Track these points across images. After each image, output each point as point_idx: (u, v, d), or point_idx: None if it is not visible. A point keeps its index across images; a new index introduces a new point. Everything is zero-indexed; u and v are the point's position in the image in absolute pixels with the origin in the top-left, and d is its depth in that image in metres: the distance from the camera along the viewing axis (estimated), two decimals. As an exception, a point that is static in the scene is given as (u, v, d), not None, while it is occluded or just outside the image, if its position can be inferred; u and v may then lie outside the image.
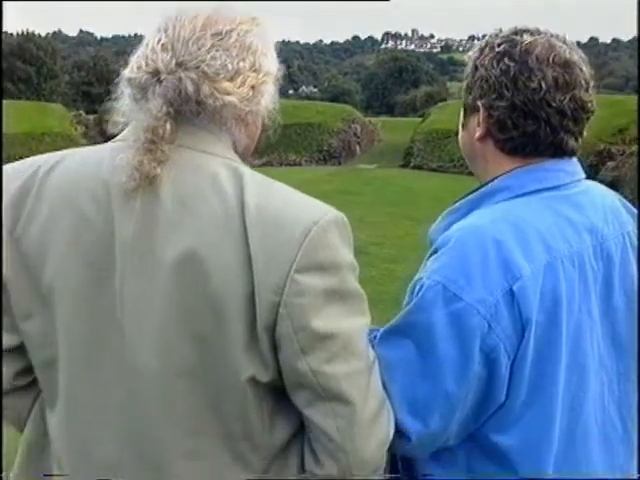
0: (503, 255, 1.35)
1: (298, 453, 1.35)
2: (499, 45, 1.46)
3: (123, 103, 1.31)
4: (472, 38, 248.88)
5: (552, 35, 1.46)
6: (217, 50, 1.25)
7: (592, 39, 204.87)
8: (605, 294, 1.47)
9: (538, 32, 1.46)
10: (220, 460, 1.29)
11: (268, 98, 1.36)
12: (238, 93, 1.27)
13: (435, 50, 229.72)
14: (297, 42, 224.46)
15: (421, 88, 69.76)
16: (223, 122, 1.30)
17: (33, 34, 72.23)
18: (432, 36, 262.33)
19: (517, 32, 1.46)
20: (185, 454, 1.28)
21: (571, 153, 1.50)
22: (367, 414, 1.27)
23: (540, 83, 1.42)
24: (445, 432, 1.38)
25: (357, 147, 40.48)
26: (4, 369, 1.41)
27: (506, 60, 1.44)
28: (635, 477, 1.98)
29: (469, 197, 1.52)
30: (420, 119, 40.31)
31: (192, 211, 1.21)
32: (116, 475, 1.30)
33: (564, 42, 1.46)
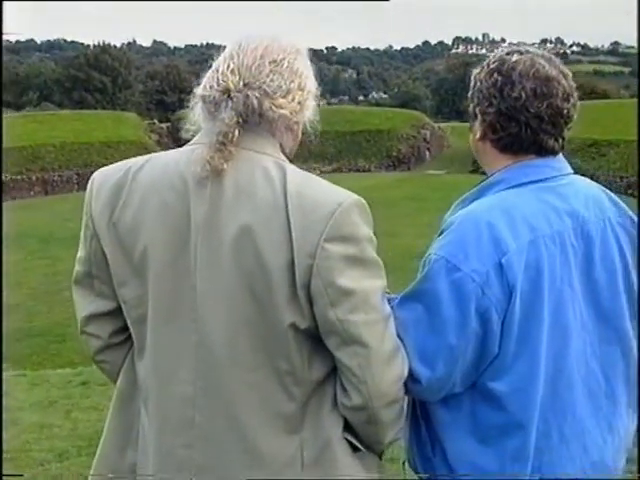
0: (494, 235, 1.68)
1: (332, 388, 1.67)
2: (493, 63, 1.82)
3: (195, 114, 1.67)
4: (544, 41, 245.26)
5: (537, 55, 1.80)
6: (274, 74, 1.62)
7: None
8: (586, 268, 1.76)
9: (527, 52, 1.81)
10: (271, 392, 1.61)
11: (310, 111, 1.71)
12: (290, 107, 1.63)
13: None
14: (367, 48, 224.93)
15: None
16: (277, 129, 1.65)
17: (109, 45, 74.13)
18: (503, 40, 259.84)
19: (509, 52, 1.82)
20: (244, 387, 1.60)
21: (552, 152, 1.81)
22: (382, 355, 1.59)
23: (520, 93, 1.75)
24: (450, 379, 1.68)
25: (426, 153, 40.26)
26: (102, 330, 1.79)
27: (495, 75, 1.79)
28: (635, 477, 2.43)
29: (474, 190, 1.85)
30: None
31: (248, 196, 1.55)
32: (192, 406, 1.63)
33: (548, 60, 1.79)
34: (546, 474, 1.72)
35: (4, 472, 2.80)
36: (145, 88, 71.31)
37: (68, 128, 37.48)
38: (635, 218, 1.90)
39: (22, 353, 10.11)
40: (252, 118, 1.60)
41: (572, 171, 1.87)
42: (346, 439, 1.68)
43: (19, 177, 33.28)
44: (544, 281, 1.68)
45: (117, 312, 1.76)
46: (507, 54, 1.82)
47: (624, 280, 1.82)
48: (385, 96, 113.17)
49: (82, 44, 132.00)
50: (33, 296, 15.90)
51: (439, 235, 1.75)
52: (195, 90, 1.67)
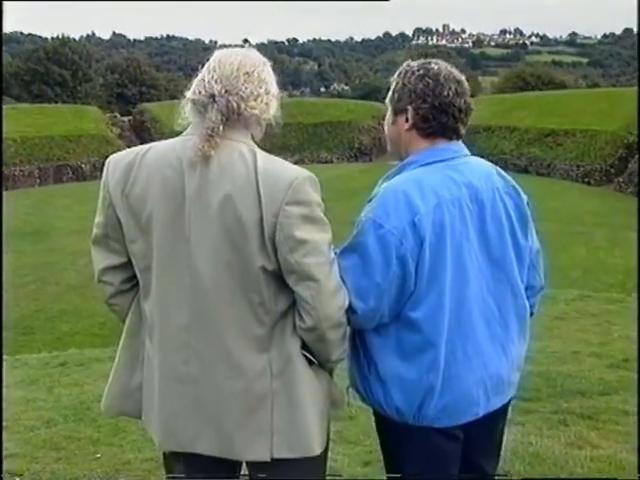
0: (408, 200, 2.19)
1: (292, 317, 2.18)
2: (418, 70, 2.32)
3: (185, 112, 2.17)
4: (504, 32, 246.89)
5: (447, 64, 2.35)
6: (247, 82, 2.12)
7: (627, 30, 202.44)
8: (479, 226, 2.28)
9: (438, 63, 2.34)
10: (247, 319, 2.13)
11: (273, 109, 2.21)
12: (259, 108, 2.15)
13: (467, 45, 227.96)
14: (328, 40, 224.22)
15: (452, 83, 69.47)
16: (249, 124, 2.16)
17: (68, 38, 73.01)
18: (463, 31, 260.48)
19: (427, 63, 2.34)
20: (227, 315, 2.12)
21: (460, 137, 2.36)
22: (328, 288, 2.11)
23: (448, 92, 2.28)
24: (379, 310, 2.20)
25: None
26: (115, 279, 2.28)
27: (426, 79, 2.29)
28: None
29: (394, 169, 2.37)
30: (451, 114, 40.59)
31: (228, 172, 2.07)
32: (187, 332, 2.14)
33: (453, 68, 2.34)
34: (454, 379, 2.23)
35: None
36: (105, 81, 70.42)
37: (29, 122, 37.00)
38: (518, 187, 2.45)
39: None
40: (232, 116, 2.10)
41: (469, 153, 2.39)
42: (303, 355, 2.19)
43: (-21, 172, 32.96)
44: (447, 235, 2.20)
45: (127, 265, 2.26)
46: (427, 63, 2.35)
47: (510, 234, 2.35)
48: (347, 88, 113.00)
49: (40, 37, 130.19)
50: (-2, 290, 16.01)
51: (368, 202, 2.28)
52: (185, 93, 2.17)
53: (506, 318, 2.36)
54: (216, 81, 2.11)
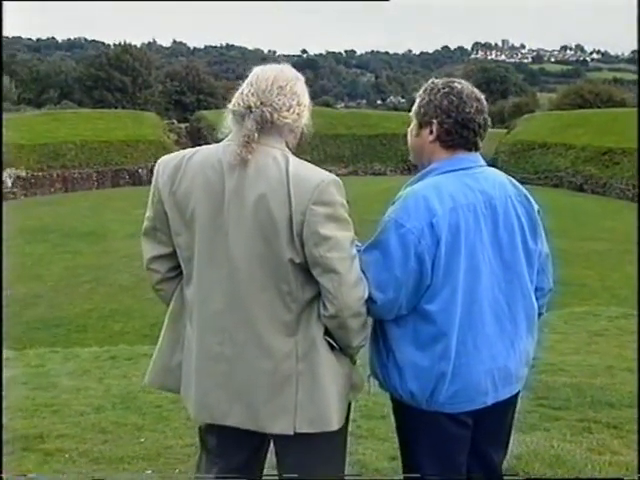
0: (427, 203, 2.43)
1: (317, 305, 2.41)
2: (443, 88, 2.56)
3: (227, 121, 2.44)
4: (564, 48, 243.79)
5: (468, 84, 2.59)
6: (280, 95, 2.38)
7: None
8: (492, 230, 2.50)
9: (461, 82, 2.59)
10: (276, 306, 2.37)
11: (305, 118, 2.46)
12: (291, 118, 2.40)
13: (526, 60, 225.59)
14: (386, 52, 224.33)
15: (509, 99, 69.04)
16: (283, 132, 2.42)
17: (130, 45, 74.50)
18: (523, 46, 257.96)
19: (451, 82, 2.58)
20: (258, 302, 2.37)
21: (477, 149, 2.59)
22: (349, 280, 2.34)
23: (470, 109, 2.52)
24: (397, 301, 2.43)
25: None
26: (161, 267, 2.55)
27: (450, 96, 2.54)
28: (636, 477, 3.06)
29: (416, 176, 2.62)
30: (506, 130, 40.32)
31: (263, 174, 2.32)
32: (223, 317, 2.40)
33: (474, 88, 2.58)
34: (464, 368, 2.45)
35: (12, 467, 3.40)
36: (164, 88, 71.57)
37: (89, 127, 37.87)
38: (529, 196, 2.65)
39: (46, 342, 10.60)
40: (266, 125, 2.36)
41: (485, 164, 2.63)
42: (326, 340, 2.43)
43: (40, 174, 33.78)
44: (461, 235, 2.43)
45: (172, 255, 2.53)
46: (450, 82, 2.59)
47: (521, 238, 2.56)
48: (403, 100, 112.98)
49: (102, 43, 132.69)
50: (55, 288, 16.35)
51: (392, 205, 2.52)
52: (228, 105, 2.45)
53: (515, 316, 2.56)
54: (252, 94, 2.38)
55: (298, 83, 2.46)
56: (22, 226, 22.15)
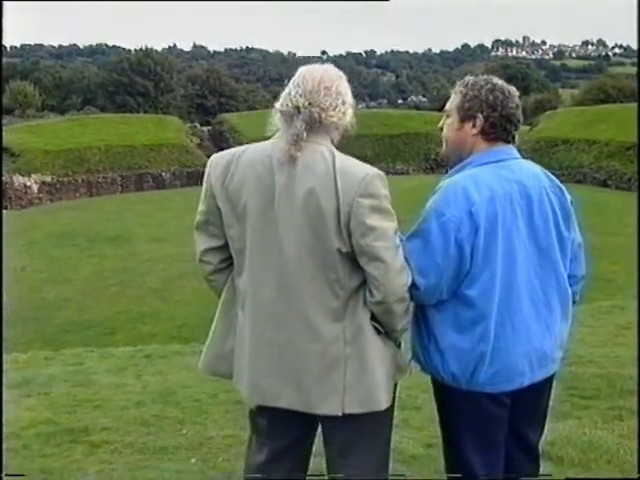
0: (466, 193, 2.56)
1: (363, 292, 2.54)
2: (487, 84, 2.71)
3: (275, 120, 2.56)
4: (586, 43, 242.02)
5: (496, 79, 2.74)
6: (326, 95, 2.51)
7: None
8: (528, 218, 2.63)
9: (498, 79, 2.73)
10: (325, 293, 2.51)
11: (349, 116, 2.59)
12: (337, 116, 2.53)
13: (547, 57, 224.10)
14: (406, 52, 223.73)
15: (531, 95, 68.67)
16: (329, 130, 2.54)
17: (151, 50, 75.05)
18: (544, 42, 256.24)
19: (489, 78, 2.74)
20: (308, 290, 2.51)
21: (514, 141, 2.75)
22: (394, 268, 2.47)
23: (513, 104, 2.70)
24: (438, 287, 2.57)
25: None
26: (214, 259, 2.69)
27: (496, 92, 2.69)
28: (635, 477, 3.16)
29: (455, 167, 2.76)
30: (529, 127, 40.19)
31: (311, 170, 2.45)
32: (274, 304, 2.53)
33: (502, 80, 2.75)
34: (503, 350, 2.58)
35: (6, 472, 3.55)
36: (186, 92, 72.03)
37: (112, 131, 38.13)
38: (561, 186, 2.77)
39: (77, 344, 10.77)
40: (314, 125, 2.48)
41: (519, 157, 2.76)
42: (372, 325, 2.56)
43: (65, 179, 34.08)
44: (498, 223, 2.56)
45: (224, 247, 2.67)
46: (490, 78, 2.75)
47: (555, 227, 2.69)
48: (424, 99, 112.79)
49: (124, 49, 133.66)
50: (83, 291, 16.57)
51: (432, 195, 2.67)
52: (275, 105, 2.58)
53: (550, 300, 2.69)
54: (300, 95, 2.50)
55: (342, 82, 2.59)
56: (49, 231, 22.45)
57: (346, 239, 2.45)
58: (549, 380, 2.77)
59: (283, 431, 2.71)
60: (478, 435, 2.66)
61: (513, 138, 2.73)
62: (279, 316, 2.55)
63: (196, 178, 37.09)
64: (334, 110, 2.52)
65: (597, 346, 6.41)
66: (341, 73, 2.62)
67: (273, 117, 2.58)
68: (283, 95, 2.56)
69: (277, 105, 2.57)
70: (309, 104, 2.49)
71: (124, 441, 4.22)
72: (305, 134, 2.46)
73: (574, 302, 2.83)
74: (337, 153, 2.52)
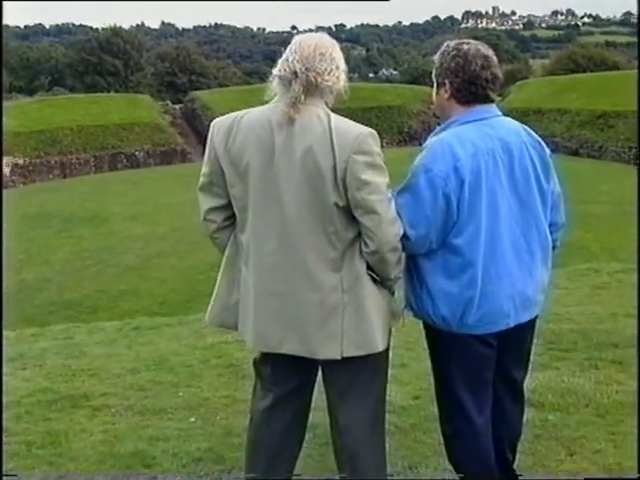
0: (451, 150, 2.73)
1: (359, 244, 2.72)
2: (452, 51, 2.85)
3: (273, 85, 2.71)
4: (555, 13, 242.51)
5: (478, 43, 2.89)
6: (321, 61, 2.66)
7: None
8: (509, 171, 2.82)
9: (469, 43, 2.87)
10: (323, 244, 2.68)
11: (343, 81, 2.74)
12: (331, 80, 2.68)
13: (517, 27, 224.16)
14: (376, 25, 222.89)
15: (502, 66, 68.60)
16: (324, 93, 2.70)
17: (120, 28, 74.13)
18: (514, 13, 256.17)
19: (460, 43, 2.87)
20: (307, 242, 2.68)
21: (492, 100, 2.89)
22: (387, 219, 2.65)
23: (475, 67, 2.79)
24: (428, 237, 2.75)
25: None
26: (217, 217, 2.85)
27: (457, 58, 2.82)
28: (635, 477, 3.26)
29: (441, 126, 2.92)
30: (500, 97, 40.41)
31: (309, 130, 2.62)
32: (276, 255, 2.71)
33: (483, 46, 2.88)
34: (489, 294, 2.77)
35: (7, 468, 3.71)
36: (156, 70, 71.23)
37: (83, 112, 37.84)
38: (540, 140, 2.95)
39: (59, 323, 10.87)
40: (311, 88, 2.64)
41: (501, 114, 2.93)
42: (368, 274, 2.75)
43: (38, 161, 33.89)
44: (482, 177, 2.75)
45: (227, 206, 2.84)
46: (459, 44, 2.87)
47: (535, 179, 2.88)
48: (395, 72, 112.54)
49: (91, 28, 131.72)
50: (62, 272, 16.62)
51: (420, 153, 2.83)
52: (273, 70, 2.71)
53: (532, 247, 2.88)
54: (297, 61, 2.65)
55: (336, 49, 2.75)
56: (24, 213, 22.33)
57: (342, 193, 2.62)
58: (532, 322, 2.98)
59: (286, 377, 2.89)
60: (468, 374, 2.86)
61: (487, 98, 2.87)
62: (281, 268, 2.72)
63: (170, 156, 37.09)
64: (329, 74, 2.67)
65: (573, 305, 6.62)
66: (334, 41, 2.78)
67: (271, 82, 2.73)
68: (280, 61, 2.71)
69: (275, 71, 2.71)
70: (306, 69, 2.64)
71: (124, 404, 4.35)
72: (303, 97, 2.62)
73: (554, 248, 3.01)
74: (332, 114, 2.69)
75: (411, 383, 4.37)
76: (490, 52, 2.87)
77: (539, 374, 4.35)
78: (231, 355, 5.30)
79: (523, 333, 2.96)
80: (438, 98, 2.96)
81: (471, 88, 2.83)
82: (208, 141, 2.79)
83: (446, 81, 2.87)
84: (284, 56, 2.71)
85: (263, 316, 2.77)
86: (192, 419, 4.11)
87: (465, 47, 2.85)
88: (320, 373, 2.93)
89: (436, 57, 2.93)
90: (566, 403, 4.00)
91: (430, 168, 2.73)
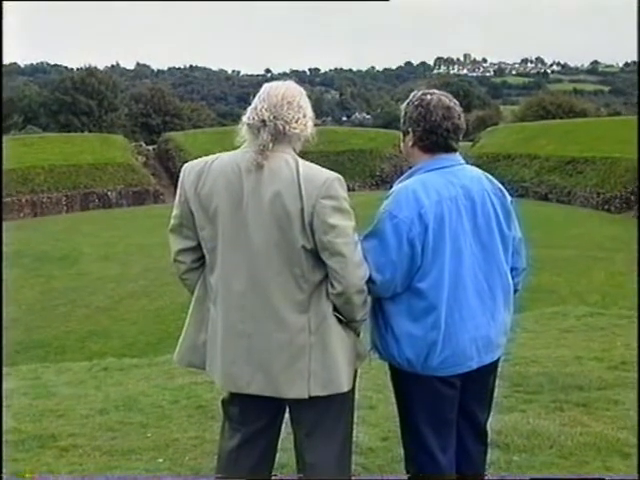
0: (416, 197, 2.82)
1: (325, 286, 2.78)
2: (416, 101, 2.96)
3: (242, 131, 2.81)
4: (525, 61, 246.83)
5: (441, 94, 2.98)
6: (289, 109, 2.76)
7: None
8: (472, 217, 2.90)
9: (433, 93, 2.97)
10: (290, 287, 2.75)
11: (310, 128, 2.83)
12: (299, 128, 2.78)
13: (488, 74, 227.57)
14: (349, 70, 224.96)
15: (473, 112, 69.80)
16: (292, 140, 2.79)
17: (95, 68, 74.34)
18: (485, 60, 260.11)
19: (424, 94, 2.98)
20: (275, 284, 2.75)
21: (454, 150, 2.98)
22: (353, 262, 2.73)
23: (435, 118, 2.90)
24: (393, 281, 2.83)
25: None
26: (187, 259, 2.92)
27: (419, 108, 2.94)
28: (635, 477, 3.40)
29: (406, 174, 3.02)
30: (471, 143, 40.92)
31: (277, 175, 2.70)
32: (244, 297, 2.77)
33: (446, 96, 2.97)
34: (453, 336, 2.83)
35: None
36: (130, 111, 71.41)
37: (56, 151, 37.78)
38: (502, 188, 3.04)
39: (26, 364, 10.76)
40: (279, 136, 2.74)
41: (464, 162, 3.02)
42: (335, 315, 2.82)
43: (9, 199, 33.63)
44: (445, 223, 2.83)
45: (197, 248, 2.90)
46: (423, 94, 2.98)
47: (497, 225, 2.96)
48: (368, 117, 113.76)
49: (66, 68, 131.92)
50: (30, 311, 16.38)
51: (386, 199, 2.93)
52: (242, 118, 2.81)
53: (494, 291, 2.97)
54: (266, 109, 2.75)
55: (303, 97, 2.86)
56: (-2, 247, 22.10)
57: (310, 237, 2.70)
58: (495, 364, 3.05)
59: (253, 417, 2.93)
60: (432, 414, 2.92)
61: (448, 147, 2.96)
62: (249, 308, 2.79)
63: (143, 197, 37.06)
64: (296, 122, 2.77)
65: (540, 348, 6.71)
66: (301, 89, 2.88)
67: (241, 129, 2.83)
68: (250, 109, 2.80)
69: (244, 118, 2.80)
70: (274, 117, 2.74)
71: (91, 445, 4.34)
72: (271, 145, 2.71)
73: (516, 291, 3.10)
74: (300, 160, 2.78)
75: (379, 425, 4.41)
76: (452, 103, 2.97)
77: (505, 416, 4.41)
78: (200, 396, 5.31)
79: (486, 375, 3.03)
80: (404, 145, 3.07)
81: (432, 137, 2.93)
82: (179, 184, 2.87)
83: (410, 130, 2.99)
84: (253, 104, 2.81)
85: (231, 356, 2.82)
86: (160, 460, 4.10)
87: (428, 97, 2.95)
88: (287, 413, 2.97)
89: (402, 106, 3.04)
90: (531, 444, 4.06)
91: (395, 215, 2.82)
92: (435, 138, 2.94)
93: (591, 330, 7.76)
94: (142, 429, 4.63)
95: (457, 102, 3.00)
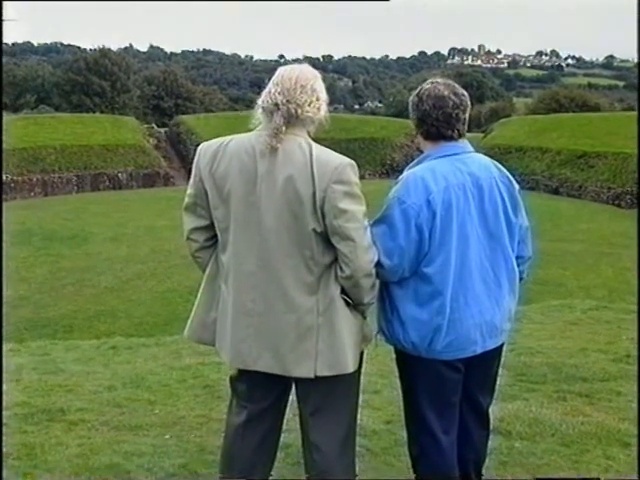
0: (424, 183, 2.88)
1: (335, 268, 2.84)
2: (417, 90, 3.02)
3: (257, 114, 2.85)
4: (540, 54, 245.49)
5: (440, 82, 3.01)
6: (302, 93, 2.79)
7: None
8: (479, 205, 2.95)
9: (434, 83, 3.01)
10: (300, 268, 2.81)
11: (323, 111, 2.87)
12: (312, 111, 2.82)
13: (502, 66, 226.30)
14: (363, 57, 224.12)
15: (486, 103, 69.69)
16: (305, 123, 2.83)
17: (108, 49, 74.31)
18: (499, 52, 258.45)
19: (424, 84, 3.02)
20: (285, 265, 2.81)
21: (452, 139, 2.99)
22: (362, 246, 2.78)
23: (425, 107, 2.97)
24: (401, 266, 2.89)
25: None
26: (200, 237, 2.98)
27: (414, 98, 3.01)
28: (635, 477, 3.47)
29: (415, 161, 3.07)
30: (482, 134, 40.79)
31: (290, 159, 2.75)
32: (255, 277, 2.84)
33: (445, 85, 2.99)
34: (457, 321, 2.87)
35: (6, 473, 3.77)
36: (142, 93, 71.35)
37: (68, 131, 37.79)
38: (510, 176, 3.08)
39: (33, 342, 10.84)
40: (292, 119, 2.78)
41: (473, 150, 3.06)
42: (342, 298, 2.87)
43: (20, 178, 33.70)
44: (453, 210, 2.88)
45: (209, 227, 2.97)
46: (425, 84, 3.03)
47: (503, 213, 3.01)
48: (380, 105, 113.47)
49: (79, 48, 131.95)
50: (39, 290, 16.50)
51: (395, 184, 3.00)
52: (257, 101, 2.86)
53: (499, 278, 3.02)
54: (279, 93, 2.79)
55: (317, 81, 2.89)
56: (4, 230, 22.17)
57: (320, 220, 2.75)
58: (499, 349, 3.11)
59: (260, 395, 3.00)
60: (435, 396, 2.98)
61: (443, 135, 2.99)
62: (259, 288, 2.85)
63: (153, 179, 37.07)
64: (309, 106, 2.80)
65: (545, 339, 6.75)
66: (316, 72, 2.92)
67: (256, 112, 2.87)
68: (264, 93, 2.84)
69: (259, 101, 2.85)
70: (287, 101, 2.77)
71: (100, 420, 4.41)
72: (284, 128, 2.75)
73: (521, 279, 3.13)
74: (314, 144, 2.81)
75: (383, 408, 4.47)
76: (447, 91, 2.98)
77: (508, 404, 4.47)
78: (207, 376, 5.38)
79: (490, 360, 3.09)
80: (417, 136, 3.13)
81: (423, 126, 3.01)
82: (194, 164, 2.93)
83: (412, 119, 3.07)
84: (267, 88, 2.85)
85: (240, 334, 2.89)
86: (167, 436, 4.17)
87: (425, 87, 3.02)
88: (294, 392, 3.03)
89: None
90: (533, 432, 4.12)
91: (404, 200, 2.87)
92: (426, 127, 3.00)
93: (597, 323, 7.78)
94: (149, 406, 4.70)
95: (463, 92, 3.02)
